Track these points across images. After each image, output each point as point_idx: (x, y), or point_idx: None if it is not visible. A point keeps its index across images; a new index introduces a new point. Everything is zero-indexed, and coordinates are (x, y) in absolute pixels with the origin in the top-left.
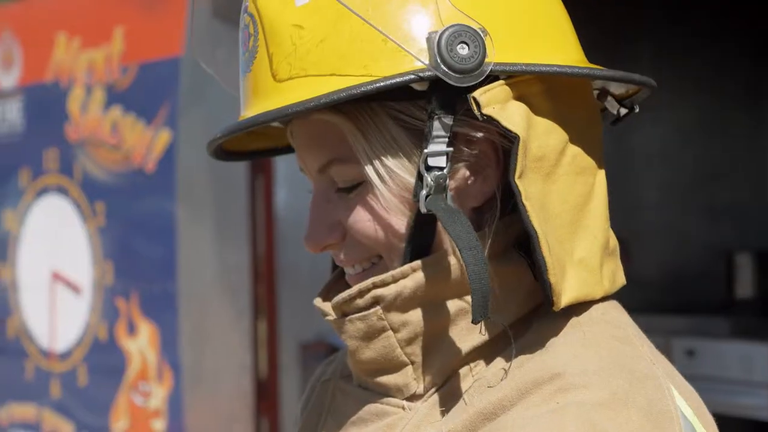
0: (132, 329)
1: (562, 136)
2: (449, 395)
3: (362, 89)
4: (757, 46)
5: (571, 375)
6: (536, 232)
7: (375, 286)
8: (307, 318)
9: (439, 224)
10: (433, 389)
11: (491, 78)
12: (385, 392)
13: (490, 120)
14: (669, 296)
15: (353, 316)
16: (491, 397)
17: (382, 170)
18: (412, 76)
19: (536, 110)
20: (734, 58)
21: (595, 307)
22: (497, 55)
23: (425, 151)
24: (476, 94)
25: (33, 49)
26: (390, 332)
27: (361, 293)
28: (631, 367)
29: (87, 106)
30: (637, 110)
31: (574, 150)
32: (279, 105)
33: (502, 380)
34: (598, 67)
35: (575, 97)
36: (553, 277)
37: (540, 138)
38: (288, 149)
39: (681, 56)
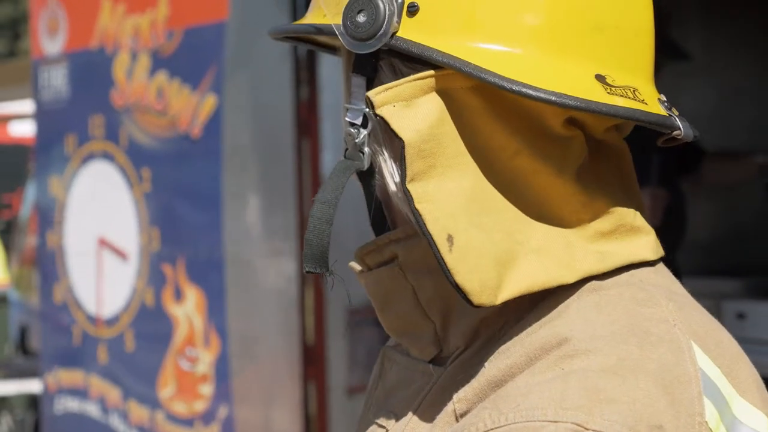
0: (179, 295)
1: (494, 138)
2: (473, 359)
3: (281, 30)
4: None
5: (577, 340)
6: (431, 236)
7: (391, 240)
8: (355, 283)
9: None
10: (458, 352)
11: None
12: (413, 355)
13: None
14: (719, 258)
15: (375, 270)
16: (501, 364)
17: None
18: (310, 27)
19: (459, 106)
20: None
21: (628, 273)
22: (410, 33)
23: (344, 104)
24: (372, 93)
25: (78, 15)
26: (410, 291)
27: (378, 247)
28: (646, 330)
29: (132, 72)
30: (681, 136)
31: (520, 154)
32: (295, 23)
33: (512, 347)
34: (598, 93)
35: (515, 109)
36: (458, 276)
37: (466, 132)
38: None
39: (729, 17)
